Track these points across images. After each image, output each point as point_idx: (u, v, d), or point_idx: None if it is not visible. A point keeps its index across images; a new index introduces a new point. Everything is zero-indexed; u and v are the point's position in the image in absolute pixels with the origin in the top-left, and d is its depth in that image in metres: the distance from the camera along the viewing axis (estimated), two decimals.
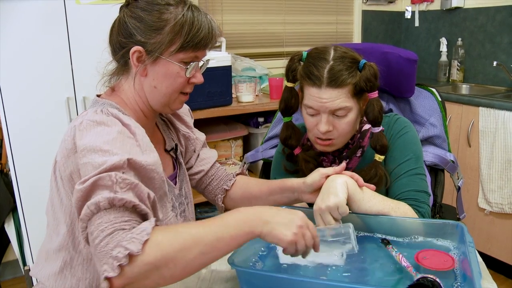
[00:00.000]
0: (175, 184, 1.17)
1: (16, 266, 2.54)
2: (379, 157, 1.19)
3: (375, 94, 1.16)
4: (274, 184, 1.21)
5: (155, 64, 0.99)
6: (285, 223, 0.85)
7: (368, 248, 1.04)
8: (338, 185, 1.05)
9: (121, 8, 1.04)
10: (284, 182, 1.18)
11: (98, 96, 1.07)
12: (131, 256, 0.74)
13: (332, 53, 1.15)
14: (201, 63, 1.06)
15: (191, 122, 1.30)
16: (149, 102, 1.05)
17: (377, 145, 1.18)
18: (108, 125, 0.91)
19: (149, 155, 0.92)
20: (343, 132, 1.17)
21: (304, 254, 0.89)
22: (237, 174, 1.32)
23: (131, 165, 0.86)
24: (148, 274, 0.76)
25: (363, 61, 1.15)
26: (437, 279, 0.84)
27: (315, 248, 0.90)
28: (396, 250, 0.98)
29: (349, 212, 1.04)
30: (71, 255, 1.00)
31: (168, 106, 1.06)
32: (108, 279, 0.74)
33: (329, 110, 1.13)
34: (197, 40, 0.99)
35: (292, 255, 0.88)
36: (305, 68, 1.15)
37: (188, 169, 1.30)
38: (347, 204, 1.04)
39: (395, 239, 1.06)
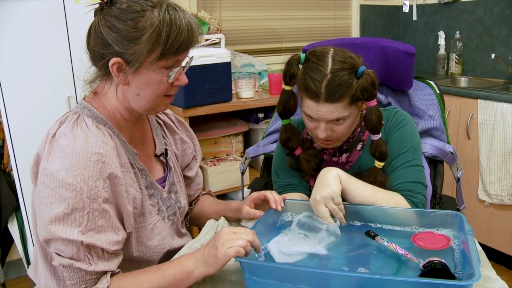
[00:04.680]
0: (164, 187, 1.18)
1: (20, 265, 2.56)
2: (378, 164, 1.20)
3: (373, 103, 1.14)
4: (221, 206, 1.31)
5: (136, 73, 0.97)
6: (210, 248, 0.93)
7: (365, 239, 1.05)
8: (331, 178, 1.09)
9: (95, 12, 0.99)
10: (229, 204, 1.28)
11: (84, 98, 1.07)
12: None
13: (330, 63, 1.11)
14: (184, 63, 1.04)
15: (190, 130, 1.33)
16: (133, 107, 1.04)
17: (376, 152, 1.19)
18: (74, 141, 0.93)
19: (116, 169, 0.97)
20: (342, 134, 1.18)
21: (256, 246, 0.94)
22: (203, 195, 1.40)
23: (95, 195, 0.91)
24: None
25: (361, 68, 1.13)
26: (443, 260, 0.86)
27: (256, 251, 0.95)
28: (386, 240, 0.99)
29: (344, 204, 1.08)
30: (50, 254, 1.03)
31: (153, 109, 1.05)
32: None
33: (327, 120, 1.14)
34: (177, 45, 0.95)
35: (246, 255, 0.91)
36: (302, 80, 1.13)
37: (188, 177, 1.32)
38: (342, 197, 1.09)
39: (394, 228, 1.08)
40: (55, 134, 0.96)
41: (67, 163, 0.90)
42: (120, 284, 0.94)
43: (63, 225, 0.89)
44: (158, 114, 1.24)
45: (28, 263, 2.28)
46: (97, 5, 0.98)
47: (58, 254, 0.91)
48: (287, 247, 0.99)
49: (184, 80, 1.04)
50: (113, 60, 0.95)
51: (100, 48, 0.96)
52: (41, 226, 0.91)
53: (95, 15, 0.99)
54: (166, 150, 1.21)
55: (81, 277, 0.92)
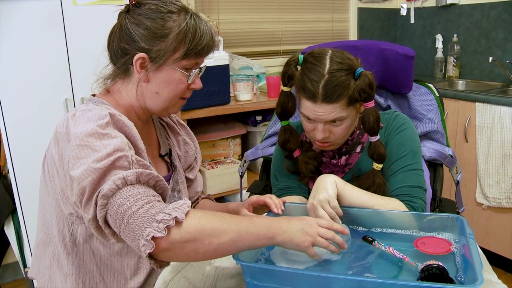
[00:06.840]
0: (168, 184, 1.18)
1: (16, 268, 2.54)
2: (377, 166, 1.20)
3: (371, 104, 1.14)
4: (219, 207, 1.29)
5: (158, 70, 1.00)
6: (299, 229, 0.90)
7: (364, 244, 1.04)
8: (328, 183, 1.10)
9: (120, 14, 1.04)
10: (227, 206, 1.26)
11: (94, 95, 1.08)
12: (176, 221, 0.78)
13: (327, 64, 1.12)
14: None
15: (191, 133, 1.33)
16: (148, 106, 1.06)
17: (374, 154, 1.18)
18: (100, 110, 0.93)
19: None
20: (340, 136, 1.18)
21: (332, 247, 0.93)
22: (203, 198, 1.39)
23: (129, 145, 0.90)
24: (186, 244, 0.79)
25: (359, 69, 1.13)
26: (440, 263, 0.85)
27: (343, 233, 0.96)
28: (384, 244, 0.99)
29: (342, 207, 1.08)
30: (57, 250, 1.01)
31: (166, 110, 1.08)
32: (154, 239, 0.76)
33: (325, 121, 1.13)
34: (200, 47, 1.01)
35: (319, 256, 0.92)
36: (300, 80, 1.13)
37: (189, 179, 1.31)
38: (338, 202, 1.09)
39: (395, 231, 1.07)
40: (75, 114, 0.94)
41: (99, 123, 0.88)
42: (205, 213, 0.85)
43: (105, 160, 0.82)
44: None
45: (25, 266, 2.26)
46: (123, 7, 1.03)
47: (103, 192, 0.80)
48: (294, 255, 0.97)
49: (199, 84, 1.08)
50: (138, 55, 0.98)
51: (125, 44, 0.99)
52: (80, 180, 0.82)
53: (119, 18, 1.03)
54: (170, 150, 1.22)
55: (141, 193, 0.80)
